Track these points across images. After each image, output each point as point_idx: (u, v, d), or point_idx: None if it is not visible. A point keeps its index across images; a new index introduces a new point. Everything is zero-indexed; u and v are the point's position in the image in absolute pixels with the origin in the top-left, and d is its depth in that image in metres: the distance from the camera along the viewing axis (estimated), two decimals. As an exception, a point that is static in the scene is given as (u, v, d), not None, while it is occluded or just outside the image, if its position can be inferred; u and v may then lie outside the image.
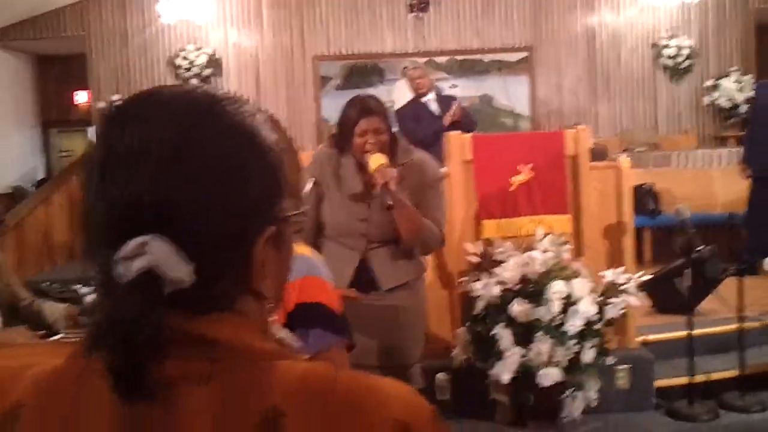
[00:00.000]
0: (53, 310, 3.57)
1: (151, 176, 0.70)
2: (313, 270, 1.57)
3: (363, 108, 3.07)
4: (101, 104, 9.26)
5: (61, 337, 3.36)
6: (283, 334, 0.83)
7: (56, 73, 10.76)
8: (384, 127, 3.06)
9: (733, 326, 4.32)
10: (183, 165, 0.71)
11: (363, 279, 3.08)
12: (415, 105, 6.51)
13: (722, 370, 4.37)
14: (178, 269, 0.69)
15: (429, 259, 3.57)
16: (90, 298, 3.99)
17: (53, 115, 10.92)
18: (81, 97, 10.76)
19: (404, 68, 9.29)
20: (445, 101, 6.64)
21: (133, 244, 0.69)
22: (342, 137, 3.13)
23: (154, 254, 0.68)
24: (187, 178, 0.71)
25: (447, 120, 5.92)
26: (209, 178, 0.72)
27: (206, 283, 0.71)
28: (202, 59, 9.32)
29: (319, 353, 1.51)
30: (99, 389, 0.69)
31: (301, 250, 1.62)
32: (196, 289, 0.71)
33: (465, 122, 5.79)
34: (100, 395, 0.69)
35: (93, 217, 0.73)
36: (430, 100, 6.47)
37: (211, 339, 0.71)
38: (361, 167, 3.10)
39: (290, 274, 0.84)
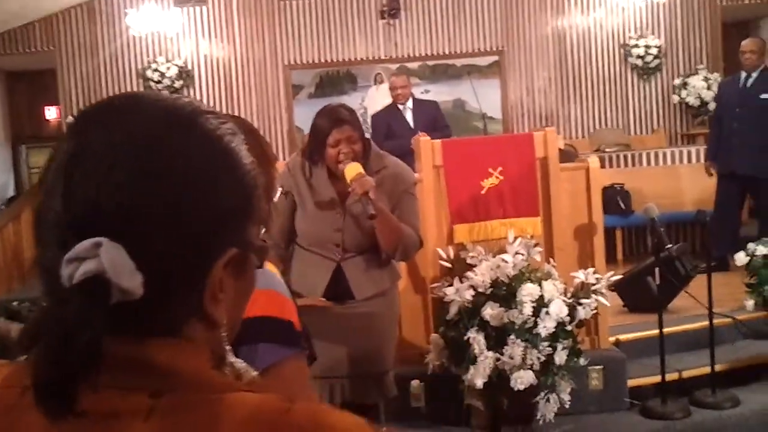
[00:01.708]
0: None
1: (115, 178, 0.67)
2: (266, 284, 1.54)
3: (334, 118, 3.06)
4: (71, 119, 9.20)
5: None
6: (239, 363, 0.79)
7: (26, 88, 10.67)
8: (356, 136, 3.05)
9: (704, 323, 4.35)
10: (150, 169, 0.68)
11: (338, 288, 3.09)
12: (392, 112, 6.54)
13: (694, 367, 4.41)
14: (129, 278, 0.65)
15: (402, 265, 3.57)
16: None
17: (24, 131, 10.83)
18: (51, 113, 10.68)
19: (377, 74, 9.33)
20: (422, 107, 6.67)
21: (85, 244, 0.65)
22: (314, 147, 3.12)
23: (106, 258, 0.64)
24: (152, 184, 0.68)
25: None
26: (175, 186, 0.68)
27: (155, 302, 0.67)
28: (173, 71, 9.28)
29: (271, 368, 1.48)
30: (29, 427, 0.65)
31: None
32: (144, 308, 0.67)
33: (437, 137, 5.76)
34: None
35: (46, 215, 0.69)
36: (407, 108, 6.51)
37: (155, 366, 0.67)
38: (334, 176, 3.10)
39: (248, 303, 0.79)
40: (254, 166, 0.76)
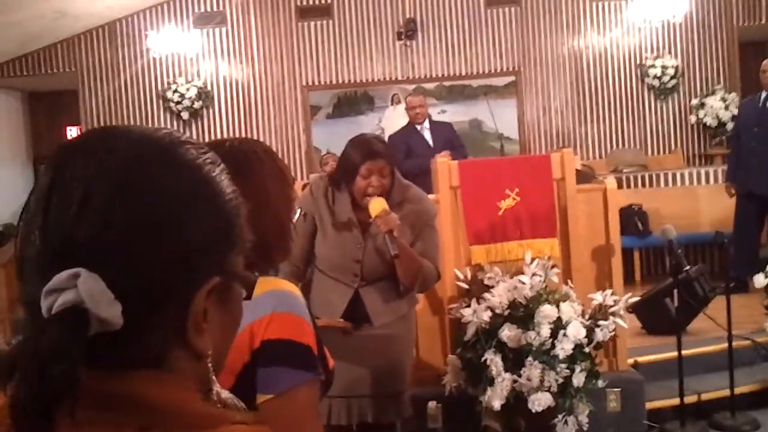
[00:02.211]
0: None
1: (90, 210, 0.67)
2: (287, 306, 1.55)
3: (369, 150, 3.05)
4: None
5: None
6: (226, 394, 0.77)
7: (47, 109, 10.80)
8: (389, 170, 3.06)
9: (723, 345, 4.32)
10: (125, 200, 0.68)
11: (355, 312, 3.10)
12: (410, 132, 6.57)
13: (713, 390, 4.37)
14: (107, 308, 0.64)
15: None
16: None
17: (45, 151, 10.93)
18: (72, 133, 10.80)
19: (394, 95, 9.38)
20: (438, 127, 6.70)
21: (63, 275, 0.64)
22: (342, 175, 3.13)
23: (84, 289, 0.64)
24: (128, 215, 0.67)
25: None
26: (153, 217, 0.68)
27: (136, 333, 0.67)
28: (193, 92, 9.37)
29: (286, 393, 1.49)
30: None
31: (281, 285, 1.59)
32: (125, 339, 0.66)
33: (455, 156, 5.80)
34: None
35: (26, 249, 0.69)
36: (424, 128, 6.54)
37: (141, 400, 0.66)
38: (356, 205, 3.11)
39: (235, 334, 0.79)
40: (236, 195, 0.76)
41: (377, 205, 2.95)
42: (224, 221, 0.74)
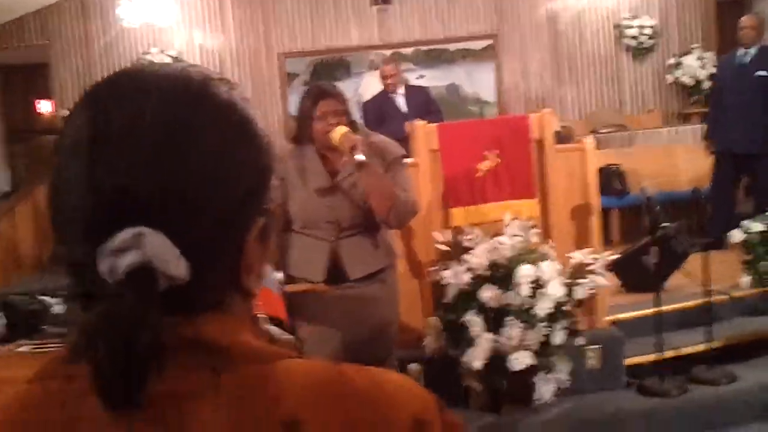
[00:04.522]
0: None
1: (144, 160, 0.64)
2: None
3: (318, 92, 3.09)
4: (65, 112, 9.18)
5: (34, 347, 3.32)
6: (273, 330, 0.80)
7: (19, 83, 10.64)
8: (343, 109, 3.07)
9: (701, 301, 4.37)
10: (179, 149, 0.65)
11: (335, 270, 3.09)
12: (383, 99, 6.54)
13: (691, 344, 4.42)
14: (175, 265, 0.63)
15: (399, 250, 3.57)
16: (57, 309, 3.97)
17: (18, 126, 10.80)
18: (44, 107, 10.65)
19: (371, 61, 9.31)
20: (413, 93, 6.67)
21: (126, 235, 0.62)
22: (302, 128, 3.14)
23: (150, 247, 0.62)
24: (184, 164, 0.65)
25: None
26: (207, 164, 0.66)
27: (199, 281, 0.65)
28: (167, 62, 9.25)
29: None
30: (91, 415, 0.62)
31: None
32: (188, 288, 0.65)
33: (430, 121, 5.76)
34: (94, 423, 0.62)
35: (70, 207, 0.65)
36: (399, 95, 6.51)
37: (210, 343, 0.65)
38: (324, 156, 3.11)
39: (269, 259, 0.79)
40: (265, 127, 0.75)
41: (339, 131, 2.96)
42: (264, 162, 0.72)
